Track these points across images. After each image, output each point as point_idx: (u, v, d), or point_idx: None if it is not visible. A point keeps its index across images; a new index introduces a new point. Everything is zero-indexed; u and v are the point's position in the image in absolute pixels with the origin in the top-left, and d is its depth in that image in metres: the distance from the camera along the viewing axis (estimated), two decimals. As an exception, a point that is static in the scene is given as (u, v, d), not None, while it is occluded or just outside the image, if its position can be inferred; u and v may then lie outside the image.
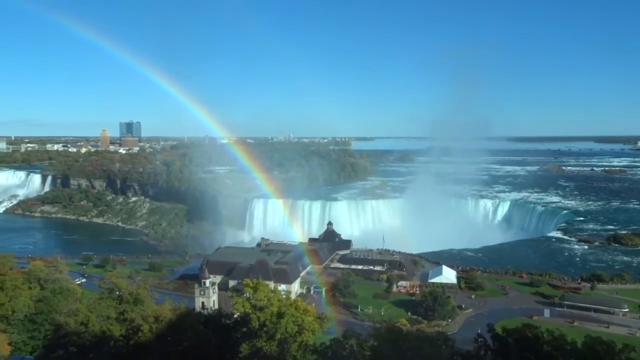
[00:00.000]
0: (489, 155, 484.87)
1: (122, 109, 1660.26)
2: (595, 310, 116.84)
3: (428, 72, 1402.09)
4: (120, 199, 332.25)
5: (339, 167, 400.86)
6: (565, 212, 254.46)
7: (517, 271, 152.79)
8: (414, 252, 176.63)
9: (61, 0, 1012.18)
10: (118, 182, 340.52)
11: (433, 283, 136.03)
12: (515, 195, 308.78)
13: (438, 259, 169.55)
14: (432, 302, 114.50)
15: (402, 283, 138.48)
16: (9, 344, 62.99)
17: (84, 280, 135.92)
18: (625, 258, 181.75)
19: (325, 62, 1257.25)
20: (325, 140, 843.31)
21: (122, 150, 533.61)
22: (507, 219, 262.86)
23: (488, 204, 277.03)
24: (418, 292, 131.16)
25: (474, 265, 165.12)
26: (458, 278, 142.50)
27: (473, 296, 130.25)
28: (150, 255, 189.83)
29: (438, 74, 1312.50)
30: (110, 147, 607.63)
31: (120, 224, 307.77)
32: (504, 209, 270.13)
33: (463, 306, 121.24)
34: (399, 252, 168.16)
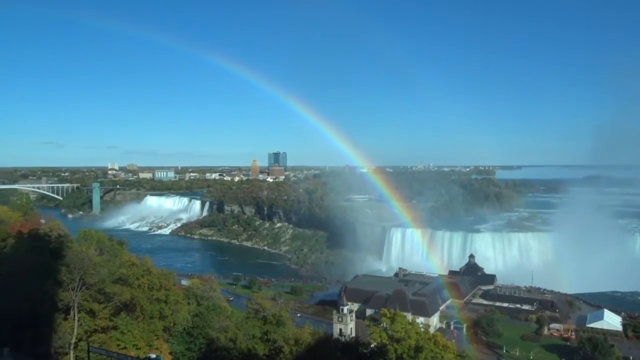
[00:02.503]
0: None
1: (270, 141, 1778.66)
2: None
3: (585, 90, 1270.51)
4: (267, 225, 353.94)
5: (482, 197, 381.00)
6: None
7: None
8: (568, 292, 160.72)
9: (214, 43, 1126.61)
10: (265, 208, 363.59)
11: (592, 328, 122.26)
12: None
13: (598, 301, 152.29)
14: (591, 349, 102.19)
15: (554, 325, 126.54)
16: (170, 353, 69.94)
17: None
18: None
19: (466, 86, 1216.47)
20: (467, 169, 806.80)
21: (269, 179, 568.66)
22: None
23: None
24: (574, 337, 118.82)
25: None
26: (624, 325, 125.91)
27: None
28: (292, 279, 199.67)
29: (597, 91, 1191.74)
30: (260, 175, 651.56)
31: (266, 248, 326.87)
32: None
33: (631, 358, 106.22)
34: (551, 291, 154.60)
